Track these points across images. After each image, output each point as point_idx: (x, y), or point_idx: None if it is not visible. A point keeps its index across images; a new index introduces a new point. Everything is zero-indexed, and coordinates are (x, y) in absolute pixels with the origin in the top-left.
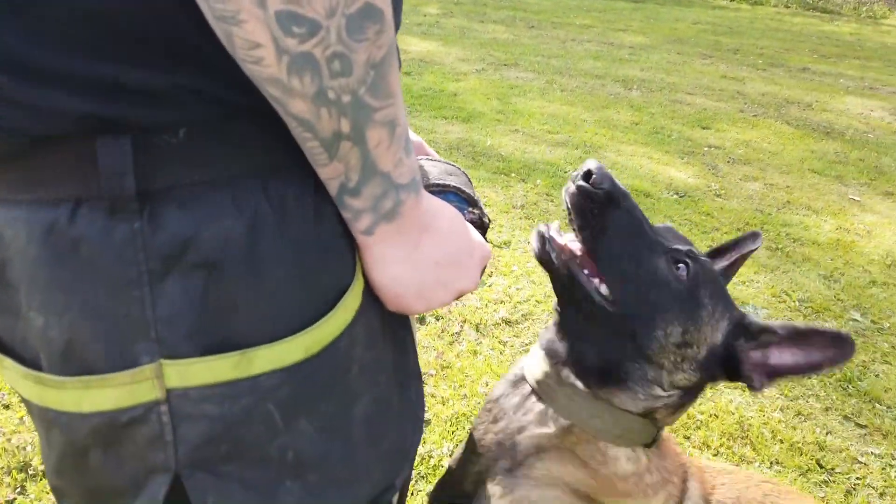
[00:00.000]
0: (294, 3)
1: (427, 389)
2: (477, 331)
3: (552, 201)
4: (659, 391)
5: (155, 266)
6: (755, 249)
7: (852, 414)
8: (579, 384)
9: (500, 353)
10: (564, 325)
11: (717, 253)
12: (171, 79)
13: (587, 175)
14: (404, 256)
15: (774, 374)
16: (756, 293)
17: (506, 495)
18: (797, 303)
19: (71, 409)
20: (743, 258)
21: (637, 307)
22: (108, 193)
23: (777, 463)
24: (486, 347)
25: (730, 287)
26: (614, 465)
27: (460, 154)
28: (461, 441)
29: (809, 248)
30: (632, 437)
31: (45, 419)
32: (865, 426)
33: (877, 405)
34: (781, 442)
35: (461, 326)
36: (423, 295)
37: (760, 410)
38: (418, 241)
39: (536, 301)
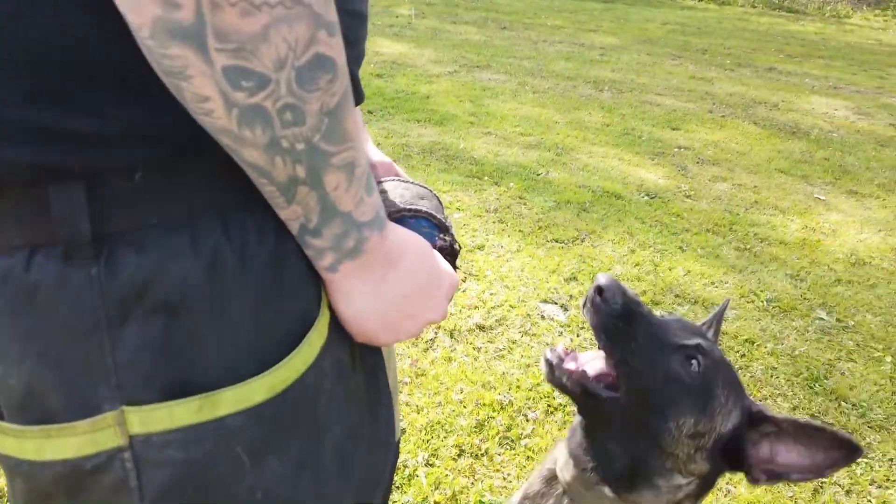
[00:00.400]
0: (241, 58)
1: (402, 398)
2: (451, 337)
3: (525, 204)
4: (679, 479)
5: (113, 311)
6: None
7: (819, 412)
8: (606, 489)
9: (475, 359)
10: (589, 432)
11: (705, 325)
12: (120, 123)
13: (599, 291)
14: (371, 290)
15: (777, 472)
16: (725, 294)
17: None
18: (765, 303)
19: (32, 457)
20: (720, 324)
21: (654, 405)
22: (63, 240)
23: None
24: (460, 354)
25: (699, 289)
26: None
27: (434, 157)
28: (436, 449)
29: (777, 247)
30: None
31: (8, 466)
32: (832, 424)
33: (842, 403)
34: None
35: (435, 333)
36: (391, 327)
37: None
38: (384, 275)
39: (510, 306)
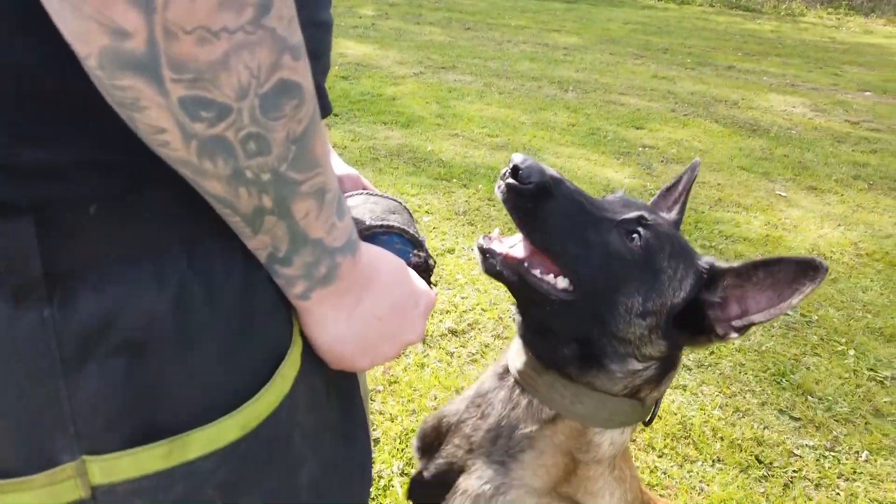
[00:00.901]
0: (200, 88)
1: (375, 406)
2: (424, 343)
3: (494, 206)
4: (635, 364)
5: (69, 354)
6: (696, 175)
7: (787, 407)
8: (558, 374)
9: (448, 364)
10: (531, 325)
11: (667, 191)
12: (72, 154)
13: (515, 171)
14: (345, 315)
15: (743, 323)
16: None
17: (496, 496)
18: None
19: None
20: (689, 190)
21: (596, 289)
22: (12, 281)
23: (719, 461)
24: (433, 360)
25: None
26: (596, 450)
27: (401, 160)
28: (412, 458)
29: (741, 244)
30: (622, 420)
31: None
32: (800, 419)
33: (809, 397)
34: (722, 439)
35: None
36: (368, 352)
37: (701, 409)
38: (359, 299)
39: (482, 309)
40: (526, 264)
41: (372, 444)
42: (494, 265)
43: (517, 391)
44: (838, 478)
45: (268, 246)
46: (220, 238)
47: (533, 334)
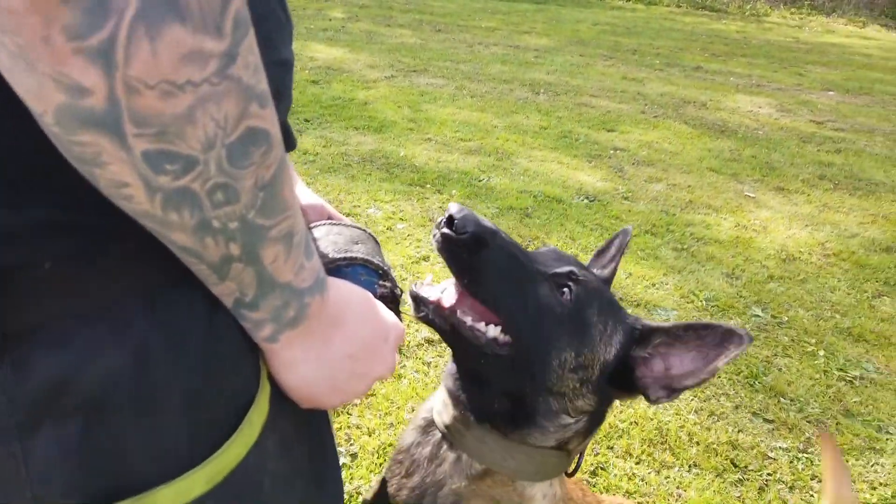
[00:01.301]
0: (164, 141)
1: (352, 420)
2: (400, 353)
3: None
4: (567, 419)
5: (25, 417)
6: (628, 241)
7: (760, 410)
8: (488, 428)
9: (425, 374)
10: (464, 375)
11: (600, 253)
12: (22, 215)
13: (450, 221)
14: (314, 356)
15: (672, 386)
16: (666, 295)
17: None
18: (704, 302)
19: None
20: (622, 253)
21: (529, 343)
22: None
23: (695, 466)
24: (410, 370)
25: (641, 291)
26: (530, 503)
27: (374, 166)
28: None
29: (712, 246)
30: (548, 471)
31: None
32: (773, 421)
33: (781, 399)
34: (698, 444)
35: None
36: (339, 390)
37: (677, 414)
38: (328, 338)
39: None
40: (458, 312)
41: (343, 480)
42: (427, 314)
43: (444, 447)
44: (812, 479)
45: (234, 291)
46: (184, 286)
47: (466, 386)
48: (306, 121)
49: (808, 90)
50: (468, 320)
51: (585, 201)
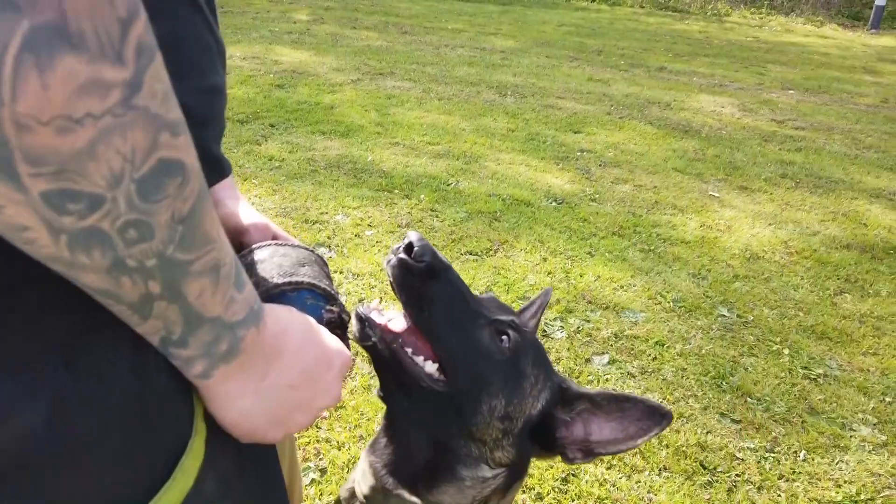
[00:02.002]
0: (64, 180)
1: (321, 434)
2: (370, 363)
3: (437, 217)
4: (485, 471)
5: None
6: (548, 301)
7: (728, 410)
8: (406, 494)
9: None
10: (390, 411)
11: (523, 310)
12: None
13: (409, 248)
14: (252, 389)
15: (592, 449)
16: (634, 297)
17: None
18: (671, 303)
19: None
20: (543, 310)
21: (464, 382)
22: None
23: (665, 469)
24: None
25: (609, 293)
26: None
27: (341, 172)
28: None
29: (678, 247)
30: None
31: None
32: (740, 421)
33: (748, 399)
34: (667, 447)
35: (353, 360)
36: (280, 423)
37: None
38: (266, 370)
39: None
40: (401, 340)
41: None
42: (370, 335)
43: None
44: (779, 479)
45: (160, 330)
46: (105, 330)
47: (390, 434)
48: (271, 126)
49: (769, 89)
50: (409, 351)
51: (554, 204)
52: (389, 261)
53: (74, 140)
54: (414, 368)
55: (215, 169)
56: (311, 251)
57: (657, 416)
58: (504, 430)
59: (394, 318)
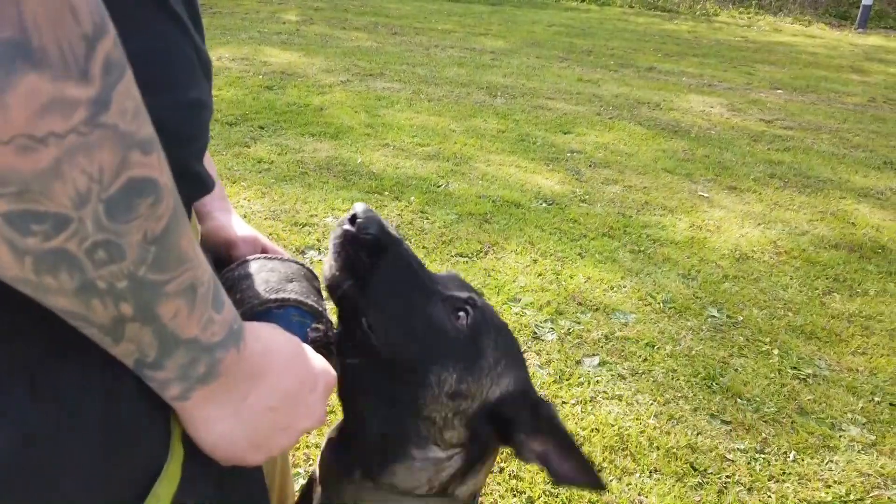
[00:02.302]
0: (27, 200)
1: (310, 439)
2: None
3: (427, 219)
4: (437, 451)
5: None
6: None
7: (718, 411)
8: (359, 475)
9: None
10: (345, 396)
11: None
12: None
13: (353, 220)
14: (232, 411)
15: (548, 464)
16: (624, 298)
17: None
18: (661, 304)
19: None
20: None
21: (408, 352)
22: None
23: (656, 471)
24: None
25: (600, 295)
26: None
27: (331, 174)
28: None
29: (668, 247)
30: None
31: None
32: (730, 422)
33: (738, 400)
34: (658, 449)
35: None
36: (261, 446)
37: (637, 419)
38: (247, 392)
39: None
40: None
41: None
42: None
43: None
44: (769, 480)
45: (134, 352)
46: (75, 353)
47: (346, 411)
48: (261, 128)
49: (758, 89)
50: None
51: (544, 205)
52: (335, 233)
53: (37, 160)
54: (366, 338)
55: (197, 185)
56: (301, 265)
57: (593, 480)
58: (455, 410)
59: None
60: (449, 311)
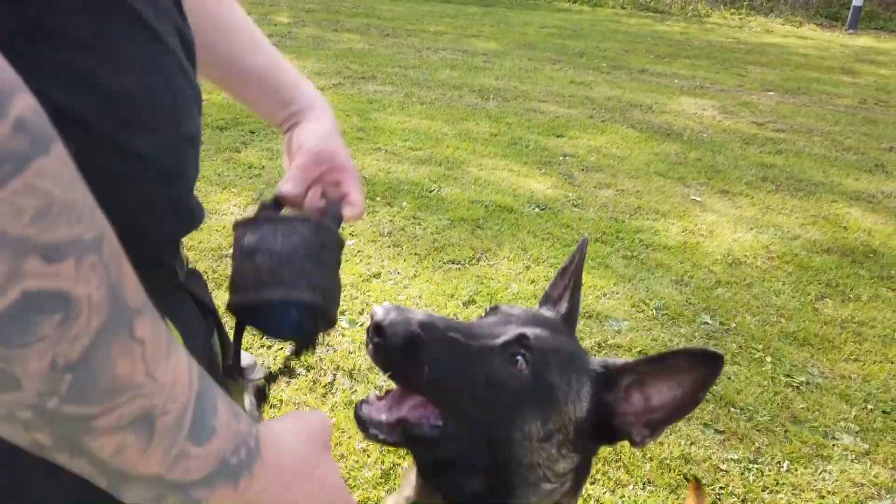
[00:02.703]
0: None
1: None
2: (351, 378)
3: (419, 224)
4: (547, 486)
5: None
6: (585, 255)
7: (711, 420)
8: None
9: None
10: (436, 470)
11: (562, 272)
12: None
13: (378, 329)
14: None
15: (656, 422)
16: (617, 305)
17: None
18: (654, 311)
19: None
20: (580, 270)
21: (487, 426)
22: None
23: (649, 483)
24: (361, 395)
25: (593, 302)
26: None
27: None
28: None
29: (661, 253)
30: None
31: None
32: (723, 432)
33: (731, 409)
34: (651, 460)
35: (334, 375)
36: None
37: None
38: None
39: None
40: (409, 420)
41: None
42: (377, 434)
43: None
44: (762, 491)
45: (86, 475)
46: None
47: (434, 472)
48: (251, 132)
49: (750, 91)
50: (416, 414)
51: (536, 210)
52: (367, 347)
53: None
54: (426, 433)
55: (189, 220)
56: (315, 225)
57: (708, 362)
58: (556, 445)
59: (389, 398)
60: (506, 362)
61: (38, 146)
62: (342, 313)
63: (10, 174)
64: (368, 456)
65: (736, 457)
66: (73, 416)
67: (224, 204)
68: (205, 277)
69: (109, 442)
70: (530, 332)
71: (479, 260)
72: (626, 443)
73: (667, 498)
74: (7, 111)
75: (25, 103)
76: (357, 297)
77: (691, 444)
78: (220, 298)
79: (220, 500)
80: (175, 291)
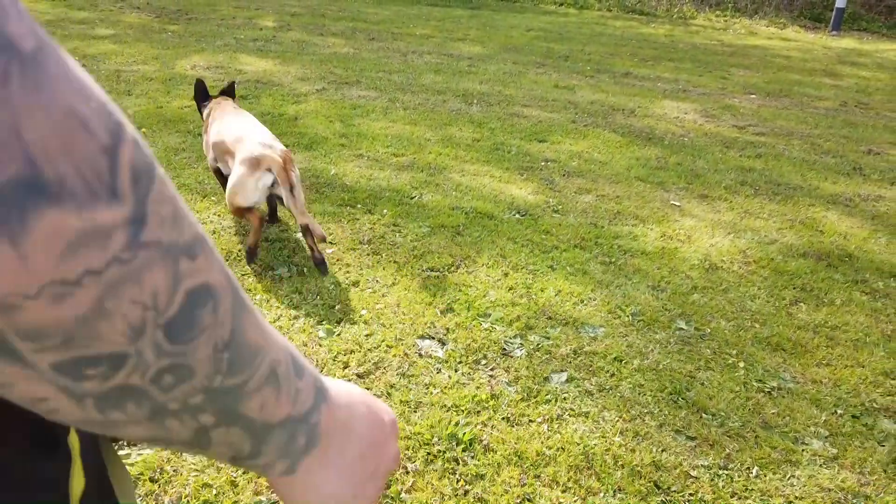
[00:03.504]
0: (75, 347)
1: None
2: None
3: (399, 232)
4: None
5: None
6: None
7: (683, 427)
8: None
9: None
10: None
11: None
12: None
13: None
14: (335, 470)
15: None
16: (593, 311)
17: None
18: (630, 317)
19: None
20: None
21: None
22: None
23: (620, 490)
24: None
25: (569, 308)
26: None
27: (303, 186)
28: None
29: (639, 258)
30: None
31: None
32: (695, 437)
33: (703, 414)
34: (623, 467)
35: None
36: (358, 496)
37: (603, 436)
38: (342, 446)
39: (388, 346)
40: None
41: None
42: None
43: None
44: (731, 497)
45: (226, 452)
46: None
47: None
48: None
49: (731, 94)
50: None
51: (517, 216)
52: None
53: (76, 305)
54: None
55: None
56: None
57: None
58: None
59: None
60: None
61: (152, 156)
62: (319, 323)
63: (148, 185)
64: None
65: (706, 463)
66: (231, 388)
67: (203, 213)
68: None
69: (256, 402)
70: None
71: (458, 267)
72: (597, 450)
73: None
74: (127, 130)
75: (128, 120)
76: (335, 307)
77: (662, 450)
78: None
79: (325, 417)
80: None
